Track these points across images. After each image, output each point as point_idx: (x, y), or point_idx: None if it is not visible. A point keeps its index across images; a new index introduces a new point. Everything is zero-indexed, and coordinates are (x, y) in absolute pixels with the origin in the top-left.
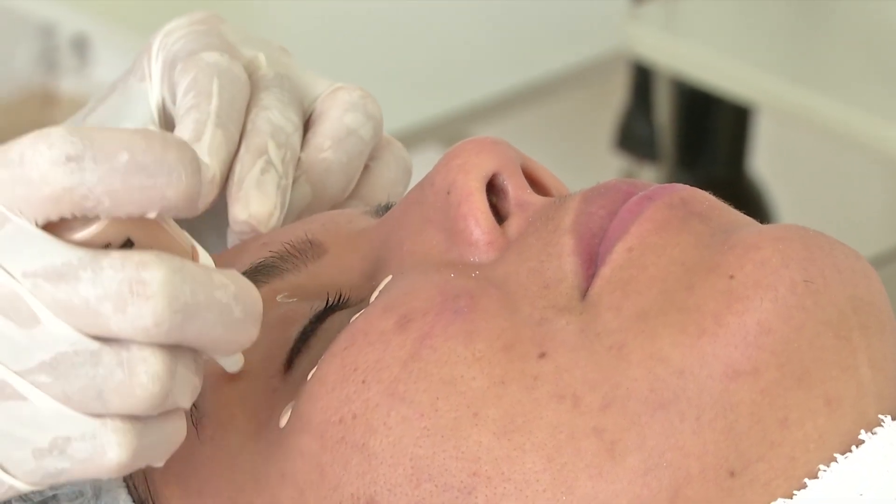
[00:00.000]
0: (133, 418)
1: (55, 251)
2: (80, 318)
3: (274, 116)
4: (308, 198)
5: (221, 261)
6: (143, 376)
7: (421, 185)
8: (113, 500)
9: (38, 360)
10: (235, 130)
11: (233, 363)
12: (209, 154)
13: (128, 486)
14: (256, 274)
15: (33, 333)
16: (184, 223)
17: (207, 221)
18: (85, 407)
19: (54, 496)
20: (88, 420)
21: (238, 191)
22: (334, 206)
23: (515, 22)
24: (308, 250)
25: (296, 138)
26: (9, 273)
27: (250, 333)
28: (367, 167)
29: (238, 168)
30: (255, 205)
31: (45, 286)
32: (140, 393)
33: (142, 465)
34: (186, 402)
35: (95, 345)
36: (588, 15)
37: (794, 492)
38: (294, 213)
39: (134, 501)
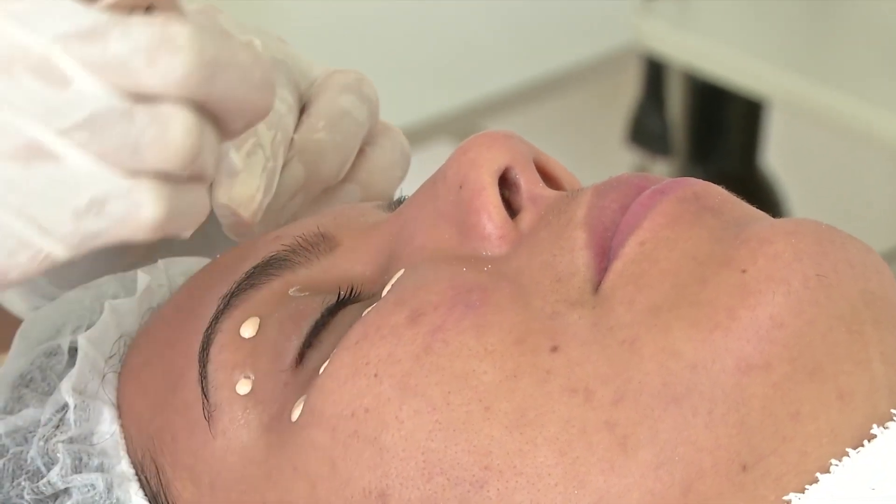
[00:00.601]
0: (165, 178)
1: (84, 14)
2: (111, 74)
3: None
4: (301, 178)
5: (234, 254)
6: (175, 130)
7: (433, 179)
8: (125, 494)
9: (72, 120)
10: None
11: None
12: None
13: (140, 480)
14: (268, 267)
15: (66, 93)
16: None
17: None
18: (121, 164)
19: (66, 489)
20: (124, 178)
21: (221, 174)
22: (329, 188)
23: (527, 16)
24: (320, 244)
25: (289, 119)
26: (39, 35)
27: (268, 100)
28: (363, 151)
29: (224, 149)
30: (237, 188)
31: (76, 45)
32: (174, 146)
33: (172, 231)
34: (211, 170)
35: (128, 102)
36: (600, 9)
37: (806, 486)
38: (287, 193)
39: (146, 495)
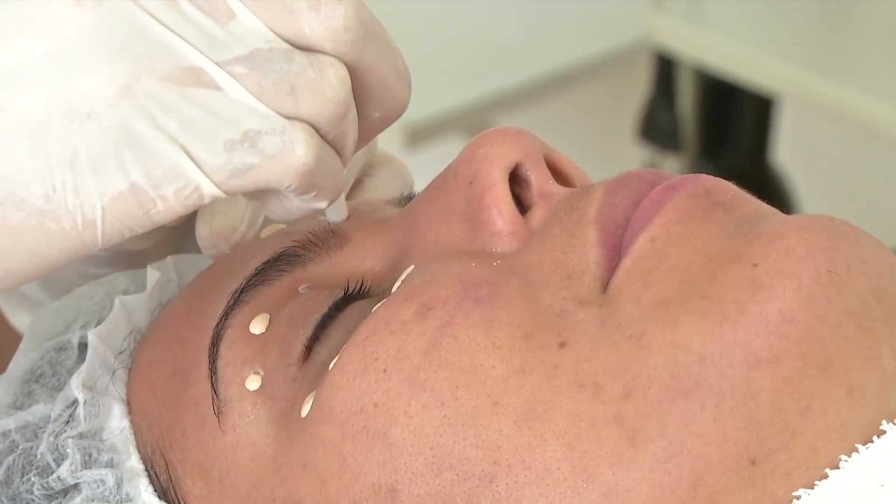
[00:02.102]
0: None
1: None
2: (274, 14)
3: None
4: None
5: (243, 250)
6: (332, 78)
7: (444, 175)
8: (134, 489)
9: (234, 54)
10: None
11: (338, 211)
12: None
13: (149, 476)
14: (279, 263)
15: (230, 28)
16: (174, 233)
17: (191, 235)
18: (277, 103)
19: (76, 485)
20: (279, 117)
21: (205, 206)
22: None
23: (539, 12)
24: (330, 239)
25: None
26: None
27: (406, 92)
28: (361, 182)
29: None
30: (218, 221)
31: None
32: (329, 94)
33: (315, 187)
34: (350, 148)
35: (287, 45)
36: (611, 5)
37: (816, 482)
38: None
39: (155, 490)
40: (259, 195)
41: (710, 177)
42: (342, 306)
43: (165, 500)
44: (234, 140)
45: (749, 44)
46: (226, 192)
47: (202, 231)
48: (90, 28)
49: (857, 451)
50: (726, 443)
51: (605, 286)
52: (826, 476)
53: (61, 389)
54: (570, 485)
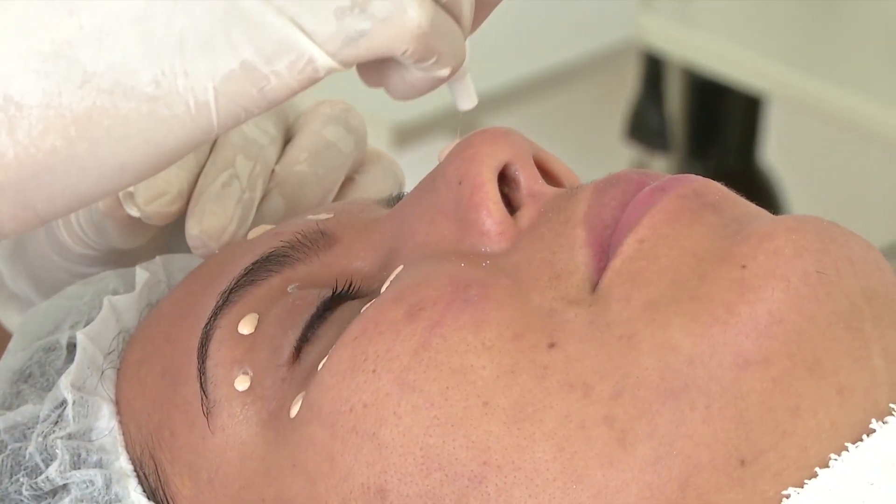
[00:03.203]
0: None
1: None
2: None
3: (248, 129)
4: (281, 210)
5: (232, 251)
6: None
7: (432, 175)
8: (123, 490)
9: None
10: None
11: (467, 96)
12: (176, 166)
13: (138, 476)
14: (268, 263)
15: None
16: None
17: (181, 234)
18: None
19: (65, 486)
20: None
21: (195, 205)
22: None
23: (527, 12)
24: (319, 240)
25: (270, 151)
26: None
27: None
28: (353, 179)
29: (201, 180)
30: (207, 220)
31: None
32: None
33: (433, 52)
34: (468, 14)
35: None
36: (600, 5)
37: (805, 481)
38: (267, 225)
39: (144, 491)
40: (377, 71)
41: (699, 177)
42: (331, 306)
43: (154, 501)
44: (343, 7)
45: (737, 44)
46: (341, 63)
47: (192, 230)
48: None
49: (847, 451)
50: (716, 443)
51: (594, 286)
52: (816, 475)
53: (50, 390)
54: (560, 486)
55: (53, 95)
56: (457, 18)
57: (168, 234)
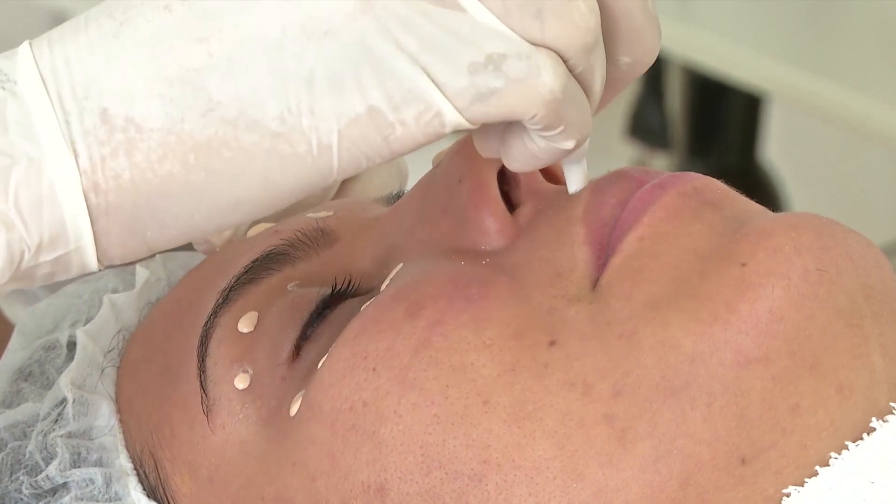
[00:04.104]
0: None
1: None
2: None
3: None
4: None
5: (232, 249)
6: (581, 3)
7: (432, 173)
8: (123, 488)
9: None
10: None
11: (579, 175)
12: None
13: (138, 474)
14: (268, 261)
15: None
16: None
17: None
18: (522, 26)
19: (64, 484)
20: (524, 41)
21: None
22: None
23: None
24: (319, 238)
25: None
26: None
27: (657, 38)
28: None
29: None
30: None
31: None
32: (577, 20)
33: (563, 121)
34: (599, 84)
35: None
36: None
37: (806, 480)
38: (269, 218)
39: (144, 489)
40: (496, 136)
41: (699, 175)
42: (331, 304)
43: (154, 499)
44: (477, 63)
45: (738, 42)
46: (468, 120)
47: None
48: None
49: (847, 449)
50: (716, 442)
51: (595, 284)
52: (816, 474)
53: (50, 388)
54: (560, 484)
55: (176, 121)
56: (587, 91)
57: None
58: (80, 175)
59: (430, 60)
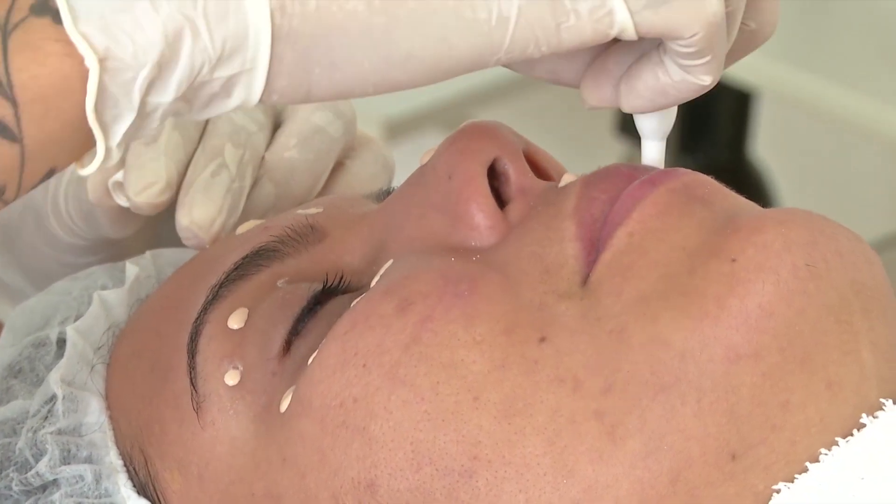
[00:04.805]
0: None
1: None
2: None
3: (236, 116)
4: (271, 197)
5: (222, 246)
6: None
7: (422, 169)
8: (113, 485)
9: None
10: (195, 132)
11: (654, 150)
12: (165, 155)
13: (128, 471)
14: (258, 258)
15: None
16: (154, 221)
17: (171, 223)
18: None
19: (54, 480)
20: None
21: (185, 195)
22: (305, 203)
23: None
24: (309, 234)
25: (259, 138)
26: None
27: (777, 9)
28: (342, 165)
29: (190, 170)
30: (197, 211)
31: None
32: None
33: (715, 45)
34: (732, 36)
35: None
36: None
37: (796, 475)
38: (258, 212)
39: (134, 486)
40: (614, 81)
41: (689, 171)
42: (322, 300)
43: (144, 496)
44: None
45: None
46: (635, 26)
47: (182, 221)
48: None
49: (837, 445)
50: (707, 438)
51: (585, 280)
52: (806, 470)
53: (40, 385)
54: (550, 480)
55: None
56: (728, 31)
57: (158, 224)
58: None
59: None
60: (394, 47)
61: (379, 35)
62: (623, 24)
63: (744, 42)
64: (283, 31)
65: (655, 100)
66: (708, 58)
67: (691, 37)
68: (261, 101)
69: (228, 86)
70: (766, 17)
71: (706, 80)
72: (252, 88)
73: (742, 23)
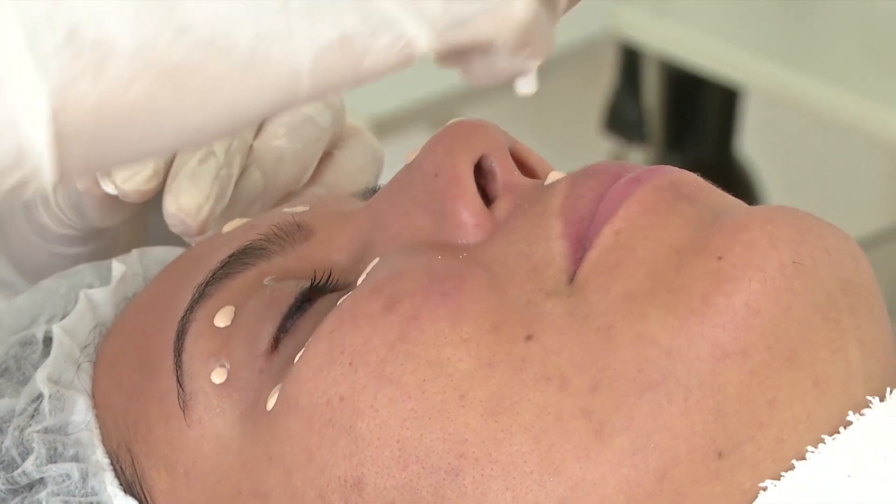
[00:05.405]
0: None
1: None
2: None
3: None
4: (259, 186)
5: (209, 244)
6: None
7: (408, 167)
8: (99, 483)
9: None
10: None
11: (529, 83)
12: None
13: (115, 470)
14: (244, 256)
15: None
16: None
17: (160, 211)
18: None
19: (41, 479)
20: None
21: (172, 182)
22: (294, 192)
23: None
24: (295, 232)
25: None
26: None
27: None
28: (331, 154)
29: (178, 158)
30: (184, 198)
31: None
32: None
33: (529, 45)
34: (564, 4)
35: None
36: None
37: (782, 473)
38: (246, 201)
39: (121, 484)
40: (463, 55)
41: (675, 168)
42: (310, 298)
43: (131, 495)
44: None
45: (714, 36)
46: (440, 46)
47: (169, 208)
48: None
49: (824, 443)
50: (693, 436)
51: (572, 278)
52: (793, 467)
53: (26, 384)
54: (537, 478)
55: (147, 42)
56: (553, 8)
57: (147, 212)
58: (46, 96)
59: None
60: (185, 121)
61: (168, 113)
62: (428, 48)
63: None
64: (67, 130)
65: (489, 80)
66: (528, 51)
67: (503, 43)
68: (60, 184)
69: (17, 188)
70: None
71: (533, 66)
72: (43, 185)
73: None
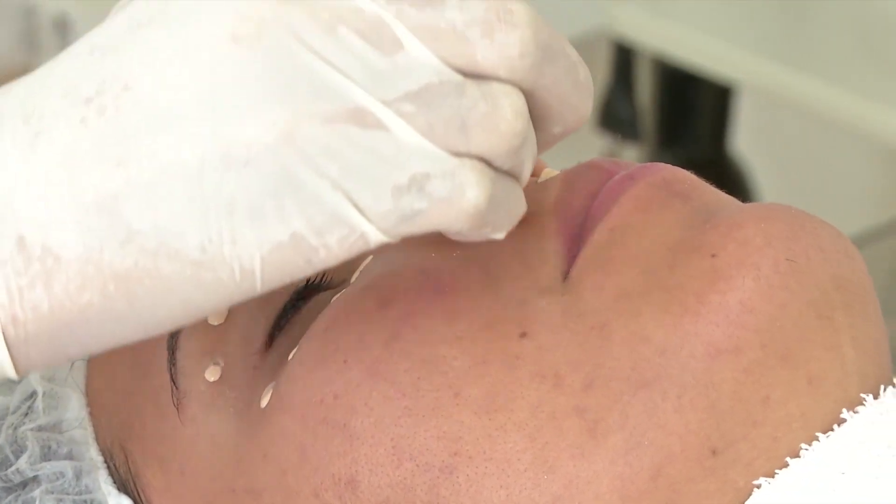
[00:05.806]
0: (487, 166)
1: None
2: (445, 44)
3: None
4: None
5: None
6: (506, 110)
7: None
8: (94, 481)
9: (403, 90)
10: None
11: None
12: None
13: (109, 468)
14: None
15: (396, 60)
16: None
17: None
18: (446, 142)
19: (35, 477)
20: (449, 157)
21: None
22: None
23: None
24: None
25: None
26: None
27: (588, 105)
28: None
29: None
30: None
31: (411, 11)
32: (503, 128)
33: (488, 224)
34: (528, 172)
35: (459, 77)
36: None
37: (776, 471)
38: None
39: (115, 482)
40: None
41: (669, 166)
42: (304, 296)
43: (125, 493)
44: (401, 185)
45: (708, 33)
46: (392, 238)
47: None
48: (248, 67)
49: (818, 440)
50: (688, 434)
51: (565, 275)
52: (787, 465)
53: (20, 381)
54: (531, 476)
55: (94, 251)
56: (517, 177)
57: None
58: None
59: (352, 186)
60: (140, 321)
61: (121, 316)
62: (380, 241)
63: (554, 139)
64: (21, 338)
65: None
66: (488, 229)
67: (458, 231)
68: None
69: None
70: (574, 118)
71: (499, 236)
72: (7, 375)
73: (548, 129)
